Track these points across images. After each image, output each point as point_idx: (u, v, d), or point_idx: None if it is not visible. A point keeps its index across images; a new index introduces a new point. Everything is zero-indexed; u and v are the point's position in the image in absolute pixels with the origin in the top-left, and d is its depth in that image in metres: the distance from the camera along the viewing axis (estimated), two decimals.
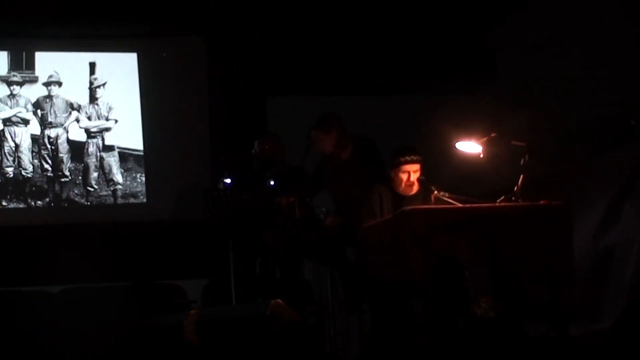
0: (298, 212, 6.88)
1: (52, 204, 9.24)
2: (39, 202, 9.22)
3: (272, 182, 7.62)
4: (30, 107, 9.20)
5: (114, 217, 9.29)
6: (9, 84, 9.17)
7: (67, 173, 9.26)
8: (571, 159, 8.31)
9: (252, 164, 7.90)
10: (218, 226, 7.29)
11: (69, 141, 9.27)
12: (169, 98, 9.50)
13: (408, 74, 9.79)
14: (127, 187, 9.38)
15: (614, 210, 6.70)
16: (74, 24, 9.20)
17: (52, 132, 9.23)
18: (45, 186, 9.24)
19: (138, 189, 9.39)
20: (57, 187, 9.24)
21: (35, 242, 9.06)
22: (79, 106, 9.32)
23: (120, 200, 9.34)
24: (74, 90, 9.34)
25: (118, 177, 9.36)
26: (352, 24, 9.56)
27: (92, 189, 9.32)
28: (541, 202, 5.98)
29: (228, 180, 7.71)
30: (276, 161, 7.81)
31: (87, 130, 9.32)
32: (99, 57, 9.46)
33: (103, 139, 9.37)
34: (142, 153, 9.42)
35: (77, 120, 9.31)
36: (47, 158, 9.22)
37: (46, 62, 9.30)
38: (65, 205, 9.28)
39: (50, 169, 9.22)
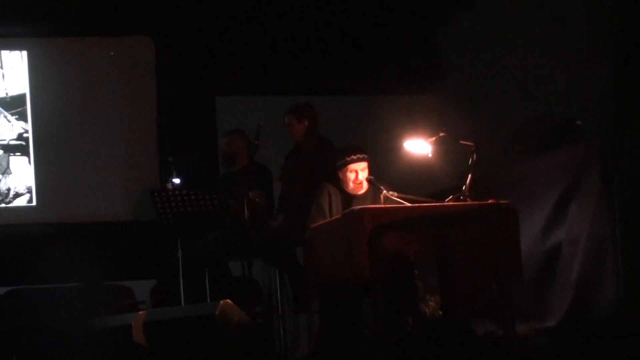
0: (247, 213, 6.88)
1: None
2: None
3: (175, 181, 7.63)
4: None
5: (61, 218, 9.21)
6: None
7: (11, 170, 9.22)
8: (518, 157, 8.38)
9: (224, 163, 7.89)
10: (166, 227, 7.26)
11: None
12: (117, 97, 9.44)
13: (356, 74, 9.81)
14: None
15: (560, 210, 6.77)
16: (10, 21, 9.12)
17: None
18: None
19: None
20: (2, 186, 9.18)
21: None
22: None
23: (67, 201, 9.28)
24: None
25: None
26: (299, 24, 9.57)
27: None
28: (489, 201, 6.02)
29: (177, 181, 7.68)
30: (242, 156, 7.81)
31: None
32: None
33: None
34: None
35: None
36: None
37: None
38: (12, 205, 9.20)
39: None
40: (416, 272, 6.23)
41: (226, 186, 7.52)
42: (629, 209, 6.18)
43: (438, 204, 6.15)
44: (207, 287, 7.45)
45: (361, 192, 6.75)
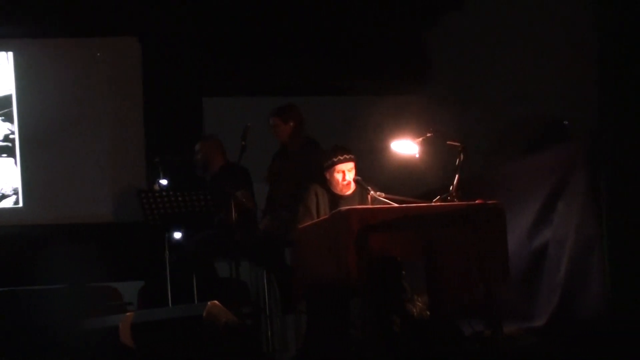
0: (234, 214, 6.88)
1: None
2: None
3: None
4: None
5: (48, 220, 9.19)
6: None
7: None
8: (505, 158, 8.39)
9: (197, 171, 7.91)
10: (153, 228, 7.25)
11: None
12: (103, 98, 9.42)
13: (344, 74, 9.82)
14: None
15: (547, 210, 6.78)
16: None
17: None
18: None
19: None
20: None
21: None
22: None
23: (54, 203, 9.25)
24: None
25: None
26: (287, 25, 9.56)
27: None
28: (476, 201, 6.02)
29: (164, 182, 7.68)
30: (214, 160, 7.83)
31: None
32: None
33: None
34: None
35: None
36: None
37: None
38: None
39: None
40: (403, 272, 6.24)
41: (212, 189, 7.52)
42: (616, 208, 6.19)
43: (425, 204, 6.15)
44: (195, 288, 7.44)
45: (348, 192, 6.74)
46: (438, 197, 6.20)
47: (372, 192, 6.53)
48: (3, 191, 9.23)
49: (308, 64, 9.76)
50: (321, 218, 6.50)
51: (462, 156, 6.20)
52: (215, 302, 6.17)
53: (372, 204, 6.44)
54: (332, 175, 6.69)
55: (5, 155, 9.25)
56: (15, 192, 9.23)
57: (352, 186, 6.73)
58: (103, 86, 9.44)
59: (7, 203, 9.24)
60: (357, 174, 6.71)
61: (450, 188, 6.15)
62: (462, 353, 5.93)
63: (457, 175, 6.16)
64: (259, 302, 7.63)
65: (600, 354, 5.72)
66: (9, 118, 9.26)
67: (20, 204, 9.24)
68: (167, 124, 9.33)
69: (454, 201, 6.11)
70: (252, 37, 9.60)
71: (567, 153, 6.74)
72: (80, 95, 9.38)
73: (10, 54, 9.32)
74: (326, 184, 6.75)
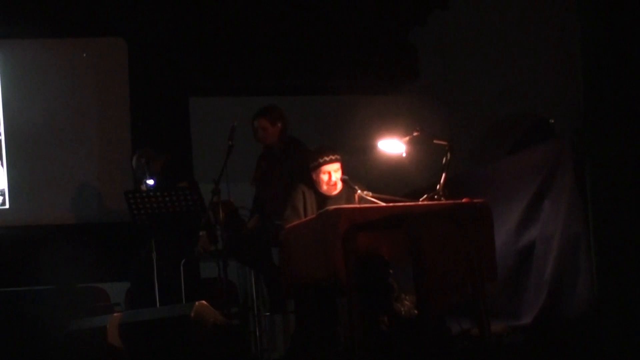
0: (222, 214, 6.87)
1: None
2: None
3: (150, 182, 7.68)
4: None
5: (34, 221, 9.16)
6: None
7: None
8: (492, 157, 8.42)
9: (141, 179, 7.96)
10: (141, 228, 7.25)
11: None
12: (90, 99, 9.41)
13: (330, 74, 9.83)
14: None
15: (533, 208, 6.80)
16: None
17: None
18: None
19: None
20: None
21: None
22: None
23: (41, 203, 9.23)
24: None
25: None
26: (274, 24, 9.57)
27: None
28: (463, 200, 6.04)
29: (150, 182, 7.67)
30: (156, 164, 7.91)
31: None
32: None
33: None
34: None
35: None
36: None
37: None
38: None
39: None
40: (391, 271, 6.25)
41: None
42: (602, 206, 6.21)
43: (412, 203, 6.16)
44: (183, 288, 7.44)
45: (335, 192, 6.74)
46: (425, 196, 6.20)
47: (359, 191, 6.53)
48: None
49: (295, 64, 9.77)
50: (308, 218, 6.50)
51: (448, 155, 6.20)
52: (203, 302, 6.17)
53: (359, 203, 6.44)
54: (318, 176, 6.68)
55: None
56: (2, 193, 9.21)
57: (339, 186, 6.73)
58: (90, 86, 9.43)
59: None
60: (344, 173, 6.70)
61: (437, 187, 6.16)
62: (450, 351, 5.95)
63: (443, 174, 6.16)
64: (247, 302, 7.64)
65: (587, 352, 5.75)
66: None
67: (7, 205, 9.22)
68: (154, 124, 9.33)
69: (440, 200, 6.11)
70: (239, 37, 9.61)
71: (553, 151, 6.76)
72: (67, 95, 9.37)
73: None
74: (313, 184, 6.75)
